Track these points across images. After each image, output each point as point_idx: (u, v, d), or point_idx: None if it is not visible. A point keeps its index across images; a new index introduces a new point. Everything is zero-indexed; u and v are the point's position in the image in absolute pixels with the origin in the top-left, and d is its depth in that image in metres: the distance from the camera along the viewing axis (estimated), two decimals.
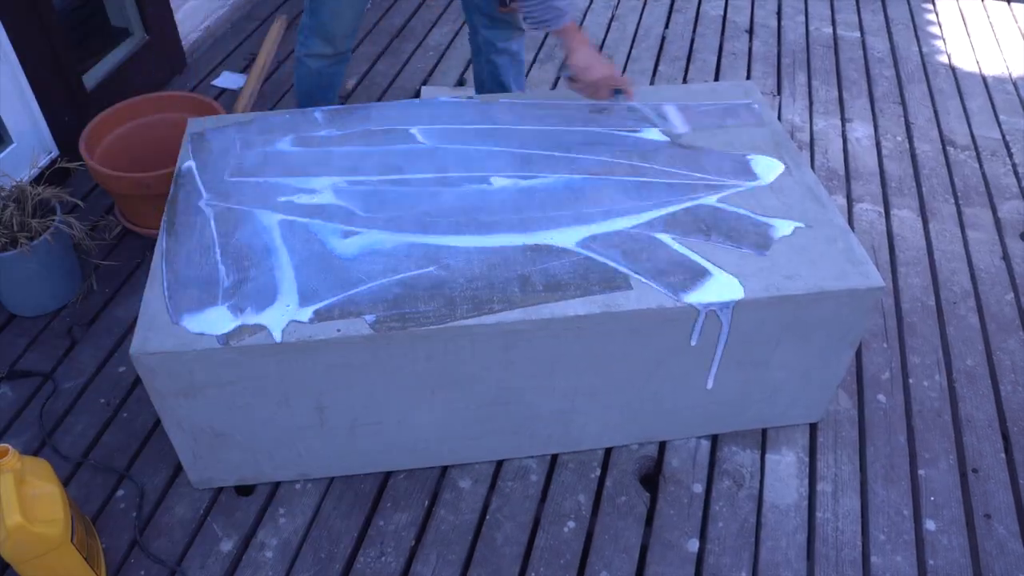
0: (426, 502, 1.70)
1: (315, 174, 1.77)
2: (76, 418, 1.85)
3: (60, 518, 1.36)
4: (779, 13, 3.67)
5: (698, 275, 1.53)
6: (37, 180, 2.33)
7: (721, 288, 1.51)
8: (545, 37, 3.41)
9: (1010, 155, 2.81)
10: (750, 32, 3.51)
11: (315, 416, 1.56)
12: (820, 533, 1.67)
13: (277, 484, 1.72)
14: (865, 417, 1.90)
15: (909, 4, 3.80)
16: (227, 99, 2.96)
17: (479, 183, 1.74)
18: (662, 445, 1.81)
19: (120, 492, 1.71)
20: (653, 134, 1.89)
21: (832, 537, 1.66)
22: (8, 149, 2.37)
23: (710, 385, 1.67)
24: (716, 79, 3.17)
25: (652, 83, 3.14)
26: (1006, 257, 2.37)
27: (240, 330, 1.42)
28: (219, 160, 1.81)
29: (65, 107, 2.52)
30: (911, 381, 1.99)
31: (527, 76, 3.15)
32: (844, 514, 1.70)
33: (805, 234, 1.63)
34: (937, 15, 3.72)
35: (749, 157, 1.82)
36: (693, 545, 1.64)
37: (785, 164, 1.81)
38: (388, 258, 1.56)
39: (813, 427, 1.87)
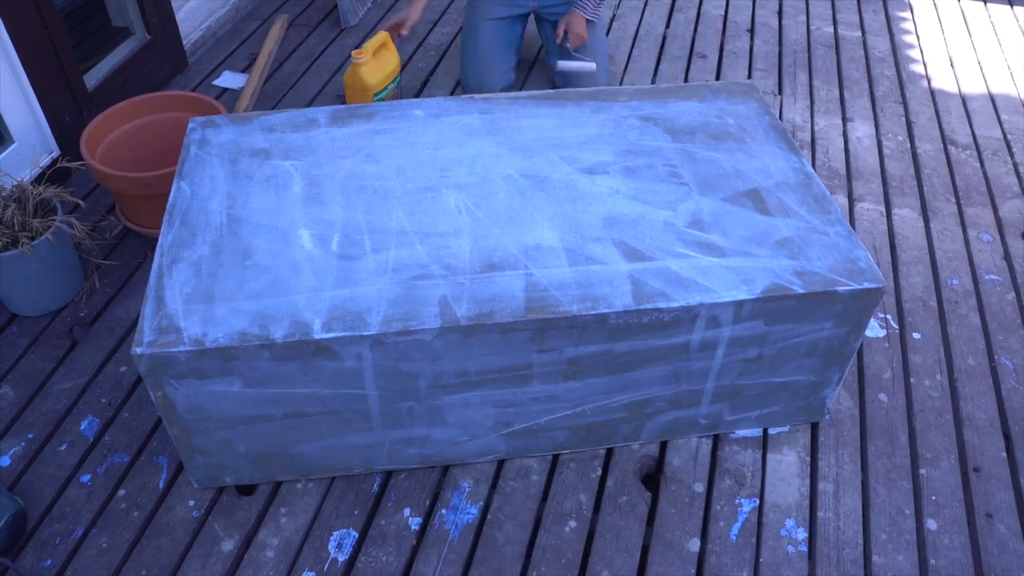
0: (427, 501, 1.70)
1: (319, 176, 1.77)
2: (77, 418, 1.85)
3: None
4: (780, 13, 3.67)
5: (698, 275, 1.53)
6: (38, 180, 2.34)
7: (721, 288, 1.51)
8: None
9: (1011, 154, 2.81)
10: (751, 31, 3.51)
11: (316, 416, 1.56)
12: (821, 532, 1.67)
13: (278, 484, 1.73)
14: (866, 416, 1.90)
15: (911, 4, 3.80)
16: (228, 98, 2.96)
17: (480, 182, 1.74)
18: (663, 444, 1.81)
19: (121, 492, 1.71)
20: (654, 133, 1.89)
21: (833, 536, 1.66)
22: (9, 149, 2.37)
23: (710, 385, 1.67)
24: (717, 78, 3.17)
25: (653, 82, 3.14)
26: (1007, 257, 2.37)
27: (242, 330, 1.42)
28: (221, 159, 1.81)
29: (66, 107, 2.52)
30: (912, 380, 1.99)
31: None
32: (845, 513, 1.70)
33: (806, 234, 1.63)
34: (938, 15, 3.71)
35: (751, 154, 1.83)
36: (694, 545, 1.64)
37: (788, 162, 1.81)
38: (396, 261, 1.56)
39: (814, 426, 1.87)
